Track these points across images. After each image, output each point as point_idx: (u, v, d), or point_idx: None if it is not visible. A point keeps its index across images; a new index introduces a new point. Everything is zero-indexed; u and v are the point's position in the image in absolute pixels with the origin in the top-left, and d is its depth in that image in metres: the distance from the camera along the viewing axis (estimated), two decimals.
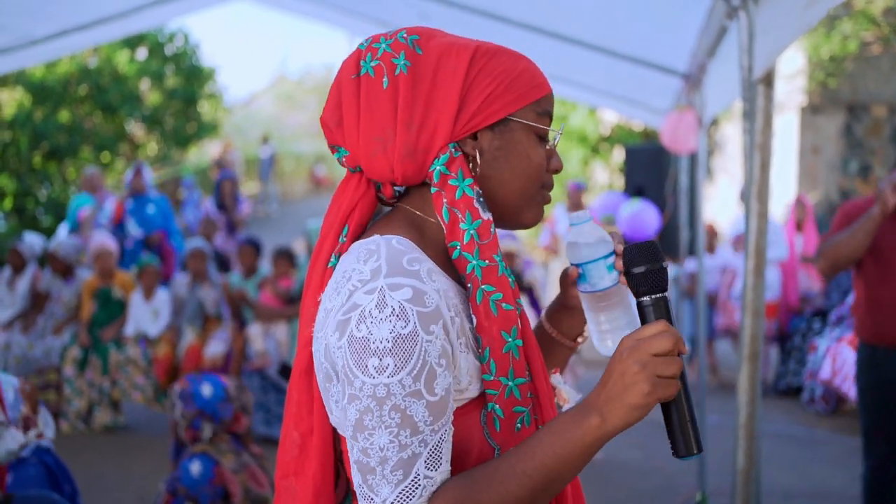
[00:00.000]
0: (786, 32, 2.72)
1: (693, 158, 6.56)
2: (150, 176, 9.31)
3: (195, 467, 3.78)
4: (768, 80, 3.13)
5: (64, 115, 17.06)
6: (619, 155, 15.27)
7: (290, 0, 7.09)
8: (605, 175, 16.75)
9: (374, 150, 1.43)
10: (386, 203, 1.53)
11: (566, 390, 1.61)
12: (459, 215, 1.40)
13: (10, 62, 7.57)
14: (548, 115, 1.49)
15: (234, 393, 3.94)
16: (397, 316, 1.27)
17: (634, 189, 7.67)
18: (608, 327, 1.55)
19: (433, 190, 1.43)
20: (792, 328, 8.74)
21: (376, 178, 1.46)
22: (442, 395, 1.30)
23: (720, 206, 14.71)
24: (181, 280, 7.60)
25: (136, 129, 19.24)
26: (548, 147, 1.51)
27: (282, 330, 7.02)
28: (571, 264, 1.56)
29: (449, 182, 1.41)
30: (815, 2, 2.26)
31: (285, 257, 7.41)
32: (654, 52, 5.44)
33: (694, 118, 5.15)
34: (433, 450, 1.29)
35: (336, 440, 1.48)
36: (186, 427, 3.88)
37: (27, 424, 3.20)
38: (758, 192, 3.18)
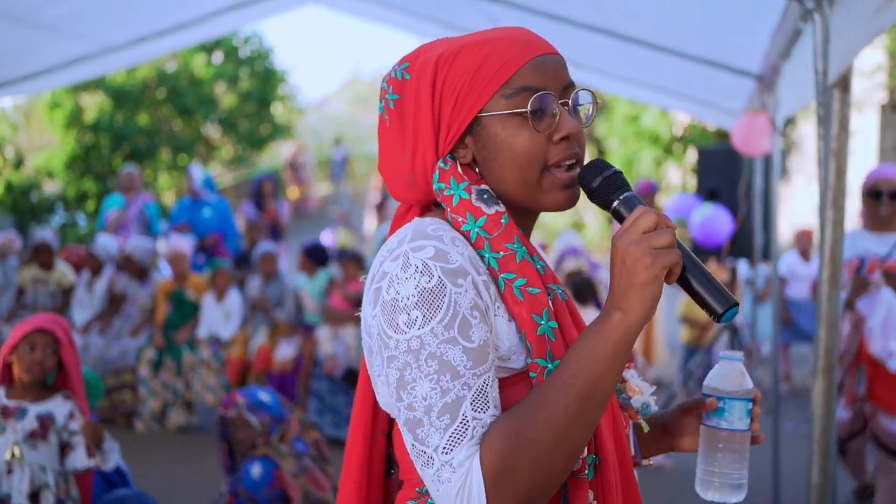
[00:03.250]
0: (858, 36, 2.63)
1: (767, 160, 6.41)
2: (199, 177, 9.32)
3: (256, 470, 3.85)
4: (844, 84, 3.04)
5: (143, 119, 17.48)
6: (692, 155, 15.04)
7: (360, 4, 7.11)
8: (678, 176, 16.51)
9: (392, 183, 1.51)
10: None
11: (637, 382, 1.58)
12: (460, 219, 1.41)
13: (91, 69, 7.78)
14: (527, 90, 1.39)
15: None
16: (420, 272, 1.30)
17: (707, 191, 7.52)
18: (719, 471, 1.50)
19: (443, 206, 1.45)
20: None
21: (404, 202, 1.53)
22: (479, 344, 1.30)
23: (799, 206, 14.39)
24: (253, 282, 7.71)
25: (211, 131, 19.61)
26: (553, 115, 1.41)
27: (350, 333, 7.06)
28: (708, 394, 1.49)
29: (445, 194, 1.43)
30: (888, 6, 2.18)
31: (353, 260, 7.48)
32: (727, 54, 5.34)
33: (766, 121, 5.04)
34: (478, 392, 1.29)
35: (389, 443, 1.52)
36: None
37: (89, 452, 3.31)
38: (833, 200, 3.09)
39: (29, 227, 14.79)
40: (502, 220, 1.40)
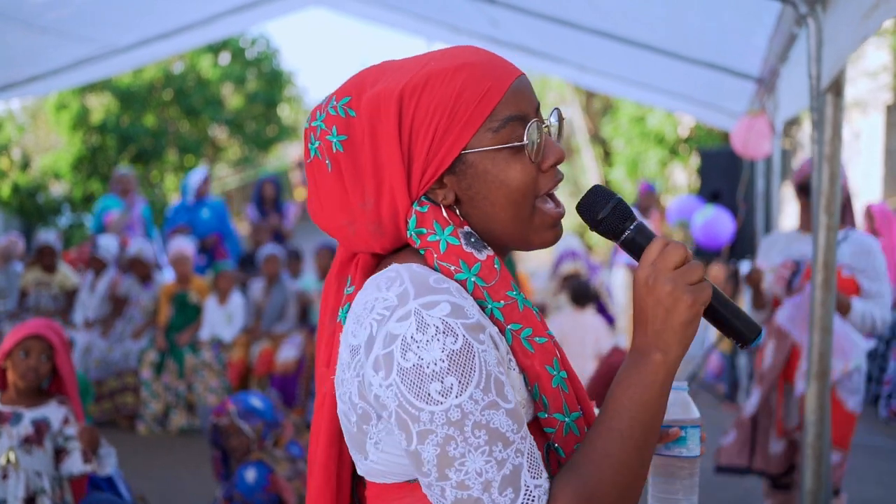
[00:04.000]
0: (848, 41, 2.62)
1: (769, 162, 6.41)
2: (196, 181, 9.36)
3: (250, 474, 3.86)
4: (837, 88, 3.03)
5: (149, 120, 17.52)
6: (697, 157, 15.03)
7: (363, 6, 7.12)
8: (684, 177, 16.48)
9: (347, 234, 1.35)
10: None
11: None
12: (452, 267, 1.28)
13: (96, 71, 7.81)
14: (515, 119, 1.30)
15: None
16: (444, 332, 1.18)
17: (710, 193, 7.52)
18: (683, 497, 1.49)
19: (422, 251, 1.31)
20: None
21: (363, 252, 1.39)
22: (515, 402, 1.21)
23: None
24: (257, 285, 7.73)
25: (218, 132, 19.64)
26: (535, 146, 1.32)
27: None
28: (668, 426, 1.47)
29: (429, 239, 1.29)
30: (875, 10, 2.17)
31: None
32: (727, 57, 5.35)
33: (765, 124, 5.03)
34: (530, 456, 1.19)
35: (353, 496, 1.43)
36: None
37: (86, 457, 3.32)
38: (826, 205, 3.08)
39: (35, 228, 14.83)
40: (496, 266, 1.29)
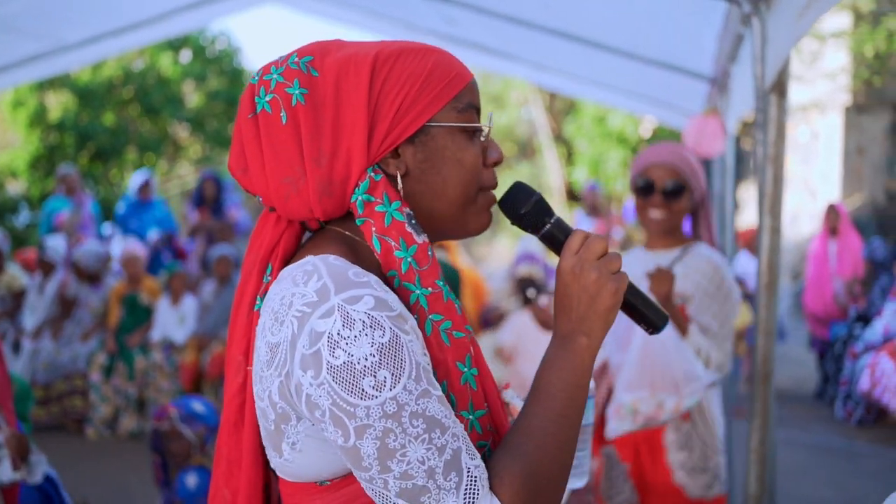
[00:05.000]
0: (785, 41, 2.59)
1: (723, 162, 6.40)
2: (137, 183, 9.36)
3: (191, 480, 3.80)
4: (780, 89, 3.00)
5: (109, 118, 17.29)
6: None
7: (316, 3, 7.06)
8: None
9: (287, 192, 1.31)
10: (311, 230, 1.41)
11: (517, 403, 1.60)
12: (392, 243, 1.29)
13: (46, 68, 7.68)
14: (473, 108, 1.36)
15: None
16: (371, 327, 1.18)
17: None
18: (577, 462, 1.61)
19: (359, 221, 1.31)
20: (833, 336, 8.52)
21: (295, 218, 1.35)
22: (441, 390, 1.24)
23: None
24: (207, 287, 7.62)
25: (179, 130, 19.42)
26: (482, 140, 1.38)
27: None
28: None
29: (376, 209, 1.30)
30: (807, 10, 2.14)
31: None
32: (680, 57, 5.34)
33: (717, 124, 5.01)
34: (465, 439, 1.22)
35: (268, 495, 1.40)
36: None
37: (14, 464, 3.22)
38: (770, 207, 3.05)
39: None
40: (429, 253, 1.31)
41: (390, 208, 1.30)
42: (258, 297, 1.35)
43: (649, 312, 1.39)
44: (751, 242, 9.06)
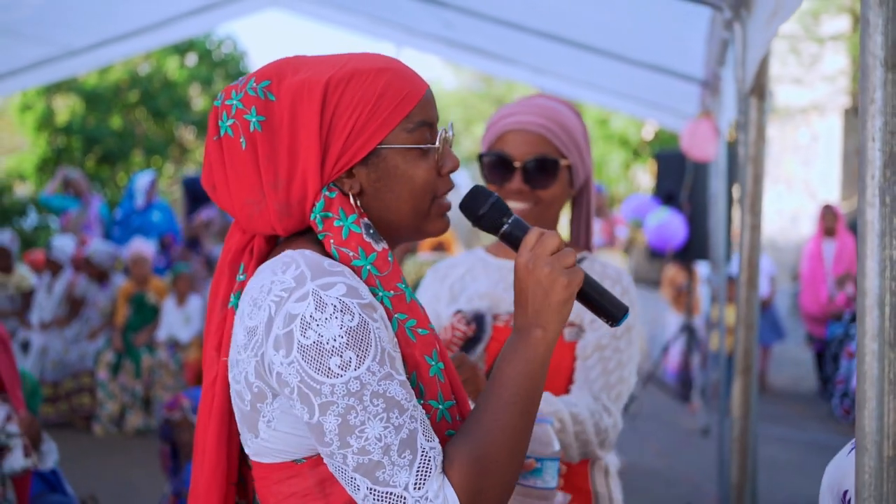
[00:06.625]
0: (759, 44, 2.71)
1: (729, 162, 6.52)
2: (145, 184, 9.42)
3: None
4: (759, 91, 3.12)
5: (116, 121, 17.43)
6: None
7: (319, 8, 7.18)
8: (647, 179, 16.64)
9: (250, 212, 1.40)
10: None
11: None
12: (351, 253, 1.36)
13: (53, 73, 7.81)
14: (425, 124, 1.42)
15: None
16: (341, 311, 1.26)
17: (665, 194, 7.62)
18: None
19: (320, 237, 1.39)
20: (830, 335, 8.60)
21: (261, 233, 1.44)
22: (405, 376, 1.31)
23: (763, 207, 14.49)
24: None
25: (185, 133, 19.56)
26: (437, 152, 1.44)
27: None
28: (528, 456, 1.56)
29: (334, 224, 1.37)
30: (774, 17, 2.25)
31: None
32: (674, 60, 5.44)
33: (710, 126, 5.12)
34: (423, 422, 1.29)
35: (244, 488, 1.50)
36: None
37: (26, 451, 3.33)
38: (751, 205, 3.17)
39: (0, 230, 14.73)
40: (389, 258, 1.38)
41: (347, 222, 1.37)
42: (231, 294, 1.44)
43: (607, 304, 1.43)
44: None
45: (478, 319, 2.08)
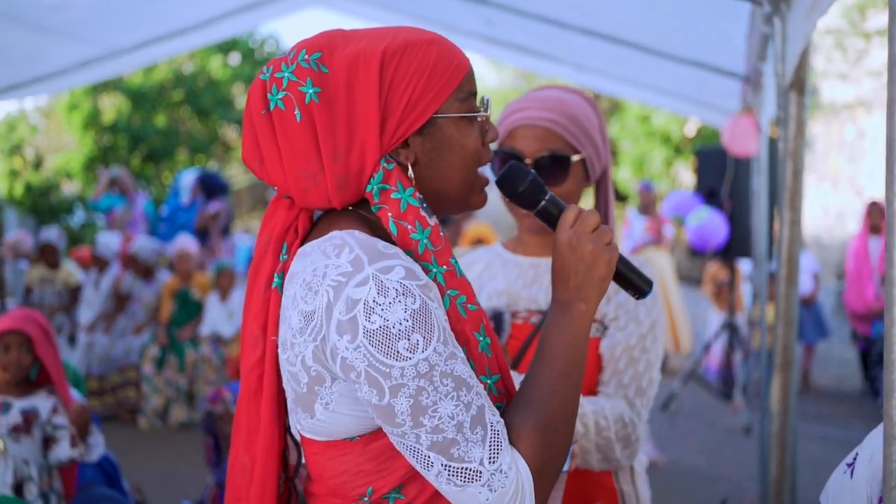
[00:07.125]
0: (798, 38, 2.69)
1: (772, 158, 6.45)
2: (191, 182, 9.57)
3: None
4: (799, 86, 3.10)
5: (160, 120, 17.66)
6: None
7: (360, 6, 7.22)
8: (689, 176, 16.51)
9: (305, 186, 1.39)
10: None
11: None
12: (409, 226, 1.37)
13: (98, 72, 7.93)
14: (472, 95, 1.45)
15: None
16: (403, 294, 1.28)
17: (706, 191, 7.57)
18: None
19: (375, 209, 1.39)
20: (876, 333, 8.50)
21: (313, 208, 1.45)
22: (464, 354, 1.35)
23: (809, 204, 14.35)
24: None
25: (228, 132, 19.76)
26: (480, 121, 1.47)
27: None
28: None
29: (391, 196, 1.38)
30: (813, 10, 2.24)
31: None
32: (715, 56, 5.40)
33: (751, 122, 5.08)
34: (486, 397, 1.33)
35: (285, 466, 1.50)
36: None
37: (73, 442, 3.42)
38: (790, 201, 3.15)
39: (48, 227, 15.02)
40: (441, 234, 1.40)
41: (405, 195, 1.38)
42: (276, 275, 1.44)
43: (636, 279, 1.52)
44: None
45: (496, 318, 2.08)
